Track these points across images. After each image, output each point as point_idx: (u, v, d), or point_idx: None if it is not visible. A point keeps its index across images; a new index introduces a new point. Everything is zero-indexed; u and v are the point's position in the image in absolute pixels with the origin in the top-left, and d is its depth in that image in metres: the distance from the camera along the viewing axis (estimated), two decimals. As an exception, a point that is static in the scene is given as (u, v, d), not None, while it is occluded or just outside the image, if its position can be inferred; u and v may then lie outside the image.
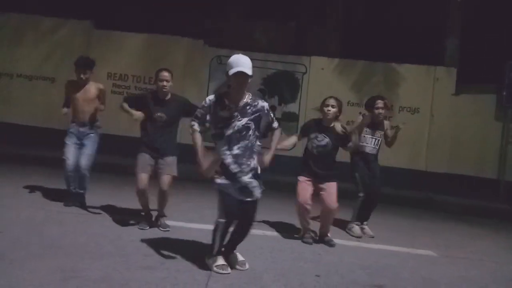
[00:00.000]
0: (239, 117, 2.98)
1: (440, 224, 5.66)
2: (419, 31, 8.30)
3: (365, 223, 4.61)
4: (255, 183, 3.00)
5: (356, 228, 4.52)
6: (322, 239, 4.06)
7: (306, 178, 3.96)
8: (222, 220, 3.00)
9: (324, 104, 4.01)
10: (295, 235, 4.15)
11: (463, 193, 7.23)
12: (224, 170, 2.97)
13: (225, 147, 2.98)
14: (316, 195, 3.98)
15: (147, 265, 3.04)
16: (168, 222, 4.05)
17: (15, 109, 7.99)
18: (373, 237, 4.45)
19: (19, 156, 6.77)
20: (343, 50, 8.49)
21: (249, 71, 2.91)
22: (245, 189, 2.98)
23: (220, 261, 3.04)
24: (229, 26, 8.52)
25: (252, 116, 3.01)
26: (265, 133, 3.17)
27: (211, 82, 8.07)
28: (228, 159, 2.97)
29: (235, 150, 2.97)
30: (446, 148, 7.88)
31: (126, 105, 3.93)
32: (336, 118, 3.99)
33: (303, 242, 3.97)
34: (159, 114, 3.85)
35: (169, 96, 3.97)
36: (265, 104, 3.12)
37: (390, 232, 4.81)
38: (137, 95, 3.95)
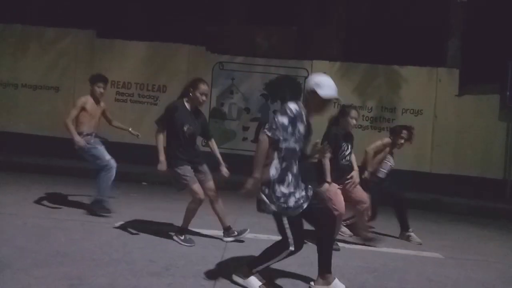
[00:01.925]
0: (308, 135, 2.81)
1: (446, 226, 5.63)
2: (420, 33, 8.30)
3: (410, 230, 4.61)
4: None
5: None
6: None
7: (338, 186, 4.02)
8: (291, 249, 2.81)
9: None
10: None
11: (468, 194, 7.19)
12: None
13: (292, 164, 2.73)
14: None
15: (153, 271, 3.04)
16: (173, 228, 4.05)
17: (20, 119, 8.07)
18: (420, 244, 4.45)
19: (25, 165, 6.83)
20: (345, 53, 8.51)
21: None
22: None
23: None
24: (231, 31, 8.57)
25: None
26: None
27: (213, 88, 8.11)
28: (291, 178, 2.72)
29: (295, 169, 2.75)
30: (450, 149, 7.85)
31: (161, 139, 3.75)
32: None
33: None
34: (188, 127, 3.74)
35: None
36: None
37: (396, 234, 4.78)
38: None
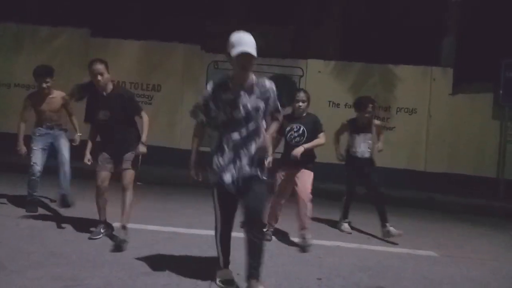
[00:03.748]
0: (246, 96, 2.72)
1: (440, 224, 5.66)
2: (415, 32, 8.34)
3: (387, 224, 4.56)
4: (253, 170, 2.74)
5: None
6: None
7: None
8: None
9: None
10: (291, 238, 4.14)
11: (462, 193, 7.24)
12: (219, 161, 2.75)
13: (229, 132, 2.71)
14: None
15: (148, 272, 3.04)
16: (168, 228, 4.04)
17: (13, 119, 7.98)
18: (401, 235, 4.41)
19: (17, 165, 6.76)
20: (341, 53, 8.52)
21: (253, 52, 2.62)
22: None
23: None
24: (227, 30, 8.53)
25: (261, 96, 2.76)
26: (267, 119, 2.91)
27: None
28: (228, 147, 2.72)
29: (238, 135, 2.71)
30: (444, 148, 7.89)
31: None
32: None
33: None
34: None
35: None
36: (273, 85, 2.84)
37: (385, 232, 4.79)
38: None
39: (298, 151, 3.91)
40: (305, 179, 3.99)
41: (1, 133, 7.81)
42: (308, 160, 4.03)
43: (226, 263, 2.96)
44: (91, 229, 3.85)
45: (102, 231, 3.79)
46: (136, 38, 8.12)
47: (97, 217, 4.17)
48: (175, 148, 7.68)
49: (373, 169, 4.67)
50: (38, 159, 4.36)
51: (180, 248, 3.65)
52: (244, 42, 2.64)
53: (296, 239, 4.11)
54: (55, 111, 4.41)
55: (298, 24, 8.76)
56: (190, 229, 4.24)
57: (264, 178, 2.79)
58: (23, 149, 4.45)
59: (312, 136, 4.04)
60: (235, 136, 2.71)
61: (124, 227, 3.62)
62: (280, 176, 4.06)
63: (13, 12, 8.31)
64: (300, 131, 4.03)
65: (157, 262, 3.22)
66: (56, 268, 2.95)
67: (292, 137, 4.04)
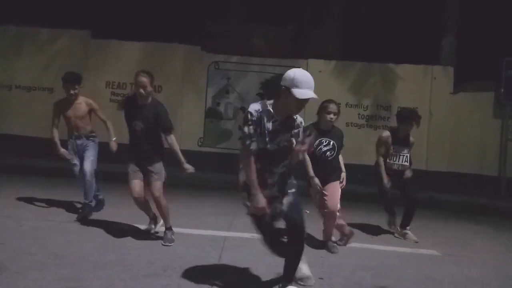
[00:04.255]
0: (283, 131, 2.65)
1: (442, 223, 5.66)
2: (416, 31, 8.33)
3: (407, 228, 4.61)
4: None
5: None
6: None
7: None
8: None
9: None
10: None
11: (464, 191, 7.23)
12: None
13: (268, 164, 2.65)
14: None
15: (150, 272, 3.04)
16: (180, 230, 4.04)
17: (14, 120, 8.01)
18: (417, 242, 4.44)
19: (19, 167, 6.79)
20: (342, 52, 8.52)
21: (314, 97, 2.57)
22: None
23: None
24: (227, 30, 8.55)
25: (293, 132, 2.70)
26: None
27: (209, 88, 8.10)
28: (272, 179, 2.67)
29: (279, 169, 2.67)
30: (445, 146, 7.89)
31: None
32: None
33: None
34: None
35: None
36: (302, 120, 2.78)
37: (392, 232, 4.80)
38: None
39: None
40: (334, 190, 3.86)
41: (2, 134, 7.83)
42: (337, 174, 3.94)
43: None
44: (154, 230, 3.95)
45: (172, 237, 3.79)
46: (136, 39, 8.13)
47: (98, 217, 4.19)
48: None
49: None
50: (76, 160, 4.42)
51: (182, 248, 3.65)
52: (311, 85, 2.59)
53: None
54: (81, 117, 4.43)
55: (298, 24, 8.76)
56: (192, 229, 4.24)
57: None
58: (62, 150, 4.40)
59: (339, 150, 3.96)
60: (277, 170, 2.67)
61: (169, 229, 3.80)
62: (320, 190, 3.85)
63: (13, 15, 8.32)
64: (330, 145, 3.88)
65: (159, 263, 3.22)
66: (59, 269, 2.96)
67: (322, 151, 3.87)
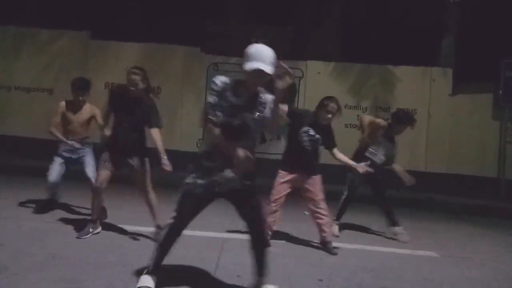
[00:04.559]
0: (248, 108, 2.57)
1: (441, 225, 5.66)
2: (414, 32, 8.35)
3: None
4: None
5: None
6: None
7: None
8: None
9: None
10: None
11: (463, 193, 7.24)
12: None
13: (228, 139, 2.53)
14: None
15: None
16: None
17: (13, 121, 8.01)
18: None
19: (18, 167, 6.78)
20: (341, 53, 8.53)
21: (269, 69, 2.48)
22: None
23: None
24: (226, 31, 8.55)
25: (259, 109, 2.61)
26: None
27: (208, 89, 8.11)
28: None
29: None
30: (445, 148, 7.90)
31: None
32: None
33: None
34: None
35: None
36: (272, 98, 2.64)
37: (391, 234, 4.81)
38: None
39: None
40: (319, 187, 3.90)
41: (1, 135, 7.82)
42: (316, 166, 3.94)
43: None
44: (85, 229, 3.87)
45: (91, 230, 3.82)
46: (136, 40, 8.13)
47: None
48: (175, 150, 7.67)
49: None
50: (54, 171, 4.35)
51: (181, 249, 3.62)
52: (262, 57, 2.50)
53: (294, 240, 4.11)
54: (82, 124, 4.43)
55: (298, 24, 8.77)
56: (191, 231, 4.22)
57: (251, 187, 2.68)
58: (71, 142, 4.37)
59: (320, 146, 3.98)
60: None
61: (158, 227, 3.72)
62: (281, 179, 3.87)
63: (13, 15, 8.32)
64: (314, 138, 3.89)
65: (159, 264, 3.21)
66: (58, 270, 2.96)
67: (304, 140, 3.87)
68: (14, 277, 2.80)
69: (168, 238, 2.73)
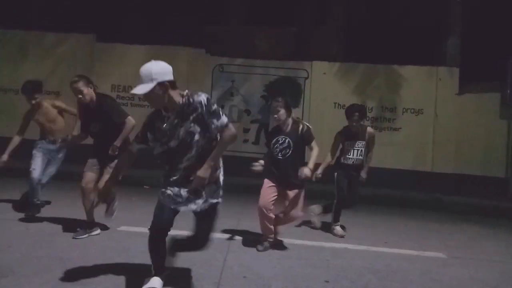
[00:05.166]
0: (180, 123, 2.52)
1: (448, 225, 5.62)
2: (420, 32, 8.31)
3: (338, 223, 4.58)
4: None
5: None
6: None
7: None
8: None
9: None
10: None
11: (470, 193, 7.18)
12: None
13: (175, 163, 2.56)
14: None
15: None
16: (174, 231, 4.03)
17: (20, 124, 8.07)
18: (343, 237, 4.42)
19: (25, 170, 6.82)
20: (345, 54, 8.51)
21: (138, 90, 2.47)
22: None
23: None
24: (230, 33, 8.57)
25: (192, 117, 2.51)
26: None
27: (214, 91, 8.13)
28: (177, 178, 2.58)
29: (184, 163, 2.55)
30: (451, 148, 7.85)
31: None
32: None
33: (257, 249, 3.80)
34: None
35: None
36: (202, 99, 2.51)
37: (398, 235, 4.78)
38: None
39: None
40: (299, 200, 3.79)
41: (9, 138, 7.88)
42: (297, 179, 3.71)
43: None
44: (78, 229, 3.90)
45: (87, 231, 3.85)
46: (141, 42, 8.17)
47: (103, 220, 4.20)
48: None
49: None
50: (38, 167, 4.41)
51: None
52: (139, 80, 2.52)
53: (300, 241, 4.11)
54: (53, 120, 4.49)
55: (300, 25, 8.76)
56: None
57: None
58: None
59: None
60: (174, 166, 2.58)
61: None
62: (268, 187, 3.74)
63: (19, 19, 8.41)
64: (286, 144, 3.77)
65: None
66: (65, 272, 2.97)
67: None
68: (21, 278, 2.82)
69: (152, 242, 2.71)
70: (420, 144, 7.86)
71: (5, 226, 4.02)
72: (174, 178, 2.59)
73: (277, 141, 3.78)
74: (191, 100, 2.53)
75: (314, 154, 3.69)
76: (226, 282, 3.01)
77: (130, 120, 3.82)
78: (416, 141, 7.83)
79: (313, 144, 3.76)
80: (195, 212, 2.68)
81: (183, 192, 2.58)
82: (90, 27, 8.26)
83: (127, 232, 4.07)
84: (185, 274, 3.07)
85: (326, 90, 7.94)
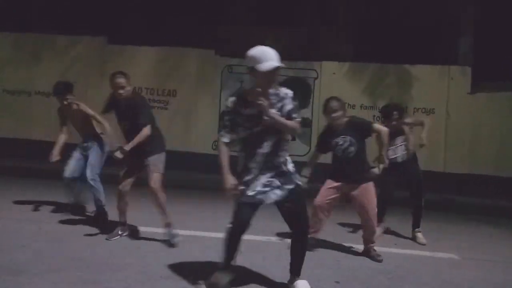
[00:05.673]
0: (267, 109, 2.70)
1: (461, 226, 5.54)
2: (431, 31, 8.21)
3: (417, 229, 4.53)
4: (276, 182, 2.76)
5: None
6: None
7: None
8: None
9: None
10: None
11: (483, 194, 7.07)
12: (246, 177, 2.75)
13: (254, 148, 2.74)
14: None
15: (167, 275, 3.06)
16: (185, 232, 4.06)
17: (34, 126, 8.20)
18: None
19: (40, 171, 6.92)
20: (355, 53, 8.45)
21: (281, 64, 2.67)
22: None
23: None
24: (239, 34, 8.58)
25: (279, 105, 2.75)
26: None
27: (223, 91, 8.14)
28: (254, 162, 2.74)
29: (266, 148, 2.73)
30: (464, 148, 7.74)
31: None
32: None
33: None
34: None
35: None
36: (289, 92, 2.83)
37: (410, 235, 4.73)
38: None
39: None
40: (368, 196, 3.73)
41: (23, 139, 8.02)
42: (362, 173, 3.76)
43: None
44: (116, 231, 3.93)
45: (120, 232, 3.88)
46: (151, 44, 8.24)
47: (114, 219, 4.24)
48: (191, 152, 7.74)
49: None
50: (68, 167, 4.44)
51: (198, 251, 3.67)
52: (271, 56, 2.67)
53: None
54: (85, 120, 4.50)
55: (309, 25, 8.73)
56: (207, 232, 4.26)
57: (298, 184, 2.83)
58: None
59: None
60: (259, 151, 2.74)
61: (168, 225, 3.82)
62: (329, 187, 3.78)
63: (32, 23, 8.55)
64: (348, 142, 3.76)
65: (176, 265, 3.24)
66: (77, 272, 3.00)
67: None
68: (34, 278, 2.86)
69: (234, 237, 2.84)
70: (432, 144, 7.75)
71: (18, 225, 4.09)
72: (253, 165, 2.74)
73: (337, 143, 3.74)
74: (278, 91, 2.79)
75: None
76: (236, 282, 2.99)
77: (148, 129, 3.74)
78: (428, 141, 7.72)
79: (376, 127, 3.80)
80: (280, 207, 2.81)
81: (263, 178, 2.74)
82: (102, 30, 8.36)
83: (138, 231, 4.10)
84: (196, 276, 3.08)
85: (336, 90, 7.84)
